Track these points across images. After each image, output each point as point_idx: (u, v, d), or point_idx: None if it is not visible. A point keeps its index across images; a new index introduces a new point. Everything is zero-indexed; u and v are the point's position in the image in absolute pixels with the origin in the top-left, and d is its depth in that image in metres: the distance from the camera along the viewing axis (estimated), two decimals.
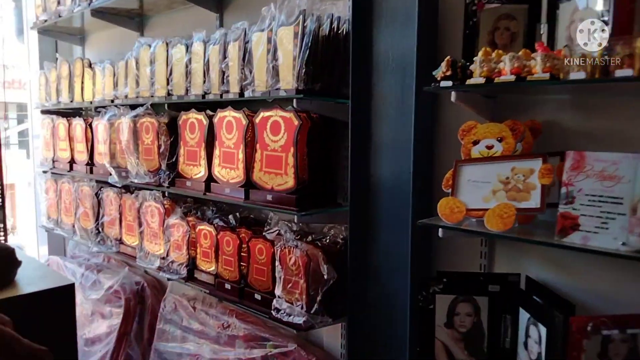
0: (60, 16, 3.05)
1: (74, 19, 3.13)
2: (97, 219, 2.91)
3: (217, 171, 2.07)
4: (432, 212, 1.52)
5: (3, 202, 3.12)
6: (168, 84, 2.32)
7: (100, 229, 2.89)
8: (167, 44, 2.32)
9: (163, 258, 2.39)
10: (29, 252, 3.67)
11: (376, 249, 1.72)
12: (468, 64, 1.33)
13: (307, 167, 1.81)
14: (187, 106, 2.28)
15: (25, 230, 4.33)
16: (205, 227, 2.18)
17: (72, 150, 3.11)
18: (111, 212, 2.80)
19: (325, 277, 1.71)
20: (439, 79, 1.36)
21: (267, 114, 1.85)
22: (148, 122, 2.41)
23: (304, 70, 1.69)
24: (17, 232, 4.49)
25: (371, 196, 1.73)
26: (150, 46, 2.42)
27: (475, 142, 1.41)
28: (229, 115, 2.02)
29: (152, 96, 2.43)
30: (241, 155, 1.96)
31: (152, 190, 2.46)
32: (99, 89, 2.86)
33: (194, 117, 2.19)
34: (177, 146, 2.31)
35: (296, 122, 1.76)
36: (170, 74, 2.30)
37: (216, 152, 2.08)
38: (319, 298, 1.72)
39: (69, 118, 3.14)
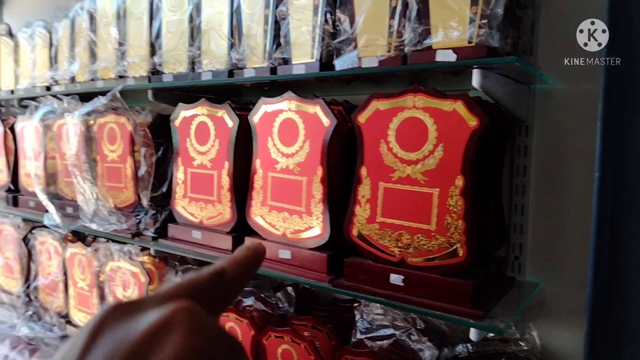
0: None
1: None
2: (27, 279, 1.82)
3: (260, 215, 1.08)
4: None
5: None
6: (154, 53, 1.29)
7: (32, 296, 1.80)
8: None
9: None
10: None
11: None
12: None
13: (478, 219, 0.85)
14: (190, 94, 1.27)
15: None
16: (240, 320, 1.18)
17: None
18: (50, 270, 1.72)
19: None
20: None
21: (384, 104, 0.88)
22: (114, 124, 1.37)
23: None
24: None
25: None
26: None
27: None
28: (287, 110, 1.02)
29: (120, 77, 1.39)
30: (319, 190, 0.98)
31: (123, 243, 1.41)
32: (26, 69, 1.78)
33: (205, 115, 1.18)
34: (171, 165, 1.29)
35: (473, 123, 0.80)
36: (158, 35, 1.27)
37: (256, 177, 1.08)
38: None
39: None
